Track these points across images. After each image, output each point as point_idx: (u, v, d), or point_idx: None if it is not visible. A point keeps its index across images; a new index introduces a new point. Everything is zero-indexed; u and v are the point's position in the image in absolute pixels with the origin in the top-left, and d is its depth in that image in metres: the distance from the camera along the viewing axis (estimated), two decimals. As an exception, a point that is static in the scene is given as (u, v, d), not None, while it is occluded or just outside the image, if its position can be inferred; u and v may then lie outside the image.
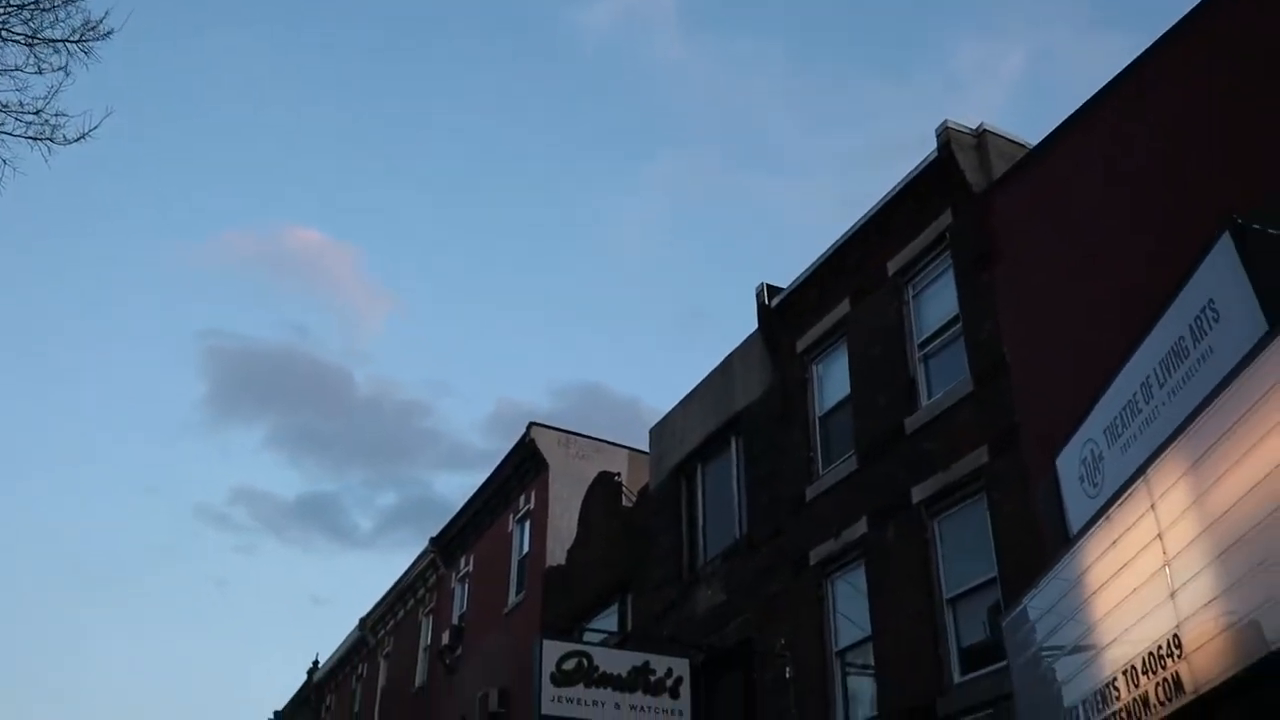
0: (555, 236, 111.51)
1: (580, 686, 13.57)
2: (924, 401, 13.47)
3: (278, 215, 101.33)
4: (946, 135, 13.48)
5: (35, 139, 8.83)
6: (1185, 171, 10.32)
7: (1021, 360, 11.98)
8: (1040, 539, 10.70)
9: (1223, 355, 7.07)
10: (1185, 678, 6.94)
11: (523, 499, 24.50)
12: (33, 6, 8.85)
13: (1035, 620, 9.41)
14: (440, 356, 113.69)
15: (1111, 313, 10.47)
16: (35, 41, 8.89)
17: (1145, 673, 7.40)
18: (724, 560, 16.62)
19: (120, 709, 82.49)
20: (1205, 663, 6.77)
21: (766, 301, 16.72)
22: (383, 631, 31.76)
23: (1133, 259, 10.67)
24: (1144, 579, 7.49)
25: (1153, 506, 7.45)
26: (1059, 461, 9.80)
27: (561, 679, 13.51)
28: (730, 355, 17.83)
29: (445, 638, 25.81)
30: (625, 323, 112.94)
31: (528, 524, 24.21)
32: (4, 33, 8.81)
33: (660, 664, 14.30)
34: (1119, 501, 7.94)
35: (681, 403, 19.01)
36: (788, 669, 14.32)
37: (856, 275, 15.08)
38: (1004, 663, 10.27)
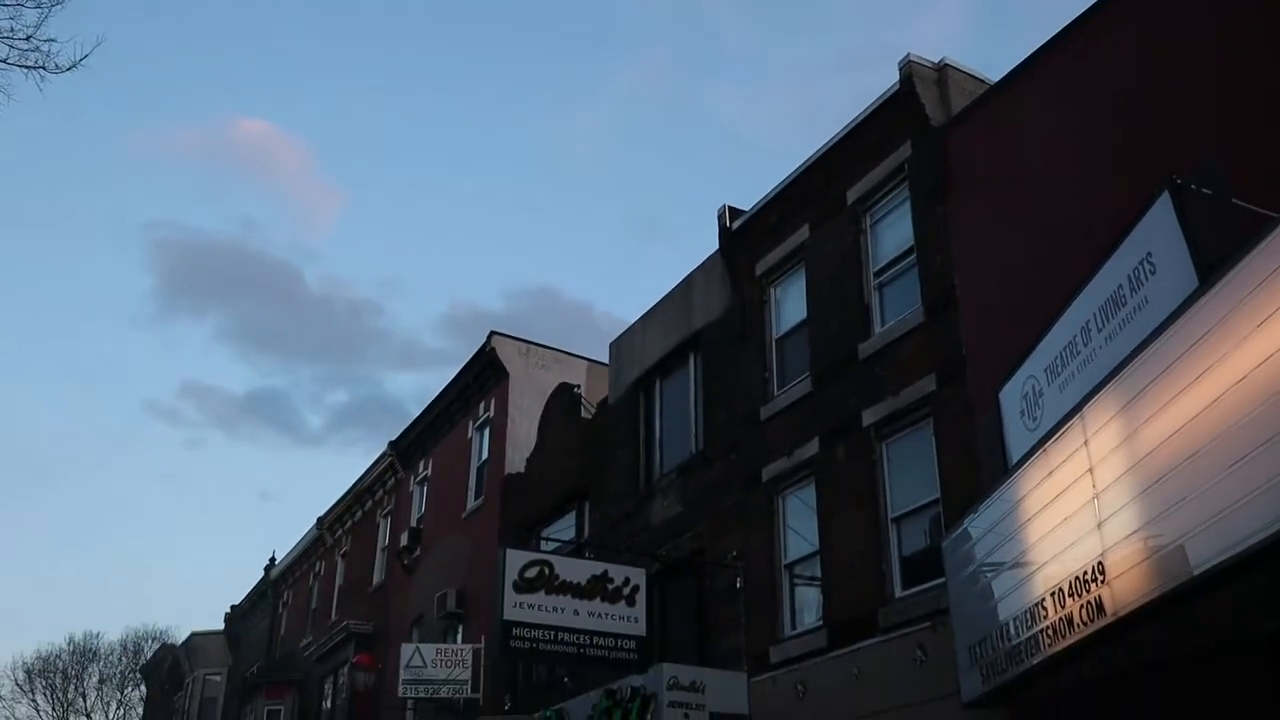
0: (509, 140, 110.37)
1: (541, 594, 14.08)
2: (877, 329, 13.94)
3: (225, 106, 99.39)
4: (909, 69, 13.74)
5: (29, 67, 8.88)
6: (1139, 116, 10.66)
7: (971, 294, 12.43)
8: (980, 466, 11.29)
9: (1157, 306, 7.58)
10: (1106, 601, 7.57)
11: (482, 406, 24.94)
12: None
13: (975, 540, 10.05)
14: (392, 256, 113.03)
15: (1060, 253, 10.89)
16: None
17: (1071, 595, 8.04)
18: (680, 474, 17.19)
19: (72, 605, 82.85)
20: (1126, 588, 7.40)
21: (728, 224, 17.05)
22: (340, 531, 32.33)
23: (1082, 201, 11.06)
24: (1075, 509, 8.10)
25: (1086, 443, 8.02)
26: (1002, 395, 10.35)
27: (523, 586, 14.02)
28: (691, 274, 18.17)
29: (404, 539, 26.42)
30: (578, 230, 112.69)
31: (487, 431, 24.70)
32: None
33: (618, 573, 14.84)
34: (1056, 436, 8.52)
35: (642, 319, 19.38)
36: (738, 579, 15.00)
37: (816, 202, 15.42)
38: (942, 580, 10.93)
